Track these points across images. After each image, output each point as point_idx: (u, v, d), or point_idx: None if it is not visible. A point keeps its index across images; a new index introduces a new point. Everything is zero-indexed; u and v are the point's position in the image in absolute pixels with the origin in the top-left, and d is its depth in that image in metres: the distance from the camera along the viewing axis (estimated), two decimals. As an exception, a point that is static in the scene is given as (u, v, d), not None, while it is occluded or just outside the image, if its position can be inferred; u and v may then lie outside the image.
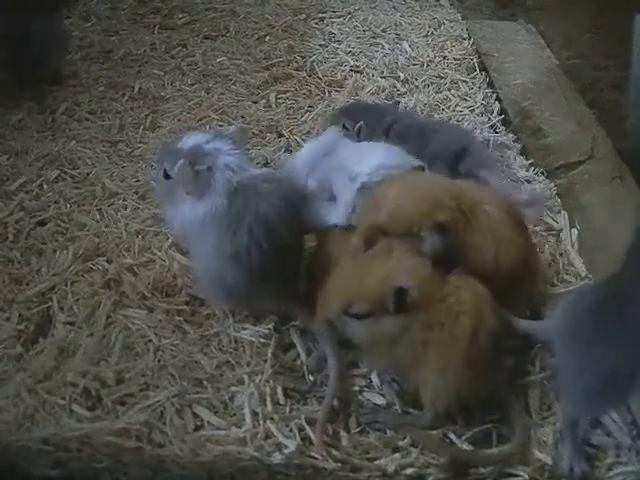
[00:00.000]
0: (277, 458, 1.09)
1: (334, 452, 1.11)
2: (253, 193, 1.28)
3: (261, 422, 1.14)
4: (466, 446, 1.13)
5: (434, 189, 1.24)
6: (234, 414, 1.17)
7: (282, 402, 1.19)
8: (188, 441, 1.12)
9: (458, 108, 2.11)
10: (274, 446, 1.11)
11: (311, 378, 1.25)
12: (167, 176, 1.33)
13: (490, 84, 2.26)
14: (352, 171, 1.35)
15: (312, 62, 2.34)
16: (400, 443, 1.14)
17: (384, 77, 2.26)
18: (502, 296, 1.17)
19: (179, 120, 2.02)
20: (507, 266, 1.22)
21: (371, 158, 1.36)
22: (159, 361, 1.26)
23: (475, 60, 2.39)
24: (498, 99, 2.16)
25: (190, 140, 1.34)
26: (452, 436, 1.15)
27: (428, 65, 2.36)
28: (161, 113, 2.06)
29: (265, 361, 1.25)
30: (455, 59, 2.40)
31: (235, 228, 1.26)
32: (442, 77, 2.28)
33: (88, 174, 1.77)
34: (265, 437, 1.12)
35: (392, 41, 2.52)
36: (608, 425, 1.17)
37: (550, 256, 1.52)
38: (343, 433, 1.15)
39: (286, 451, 1.10)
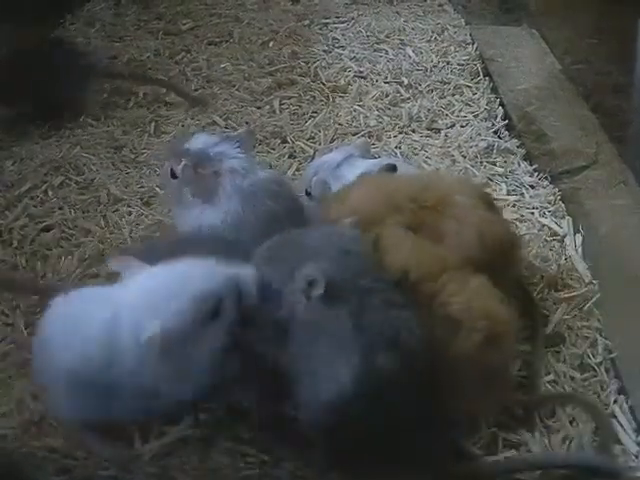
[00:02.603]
0: None
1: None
2: (264, 196, 1.29)
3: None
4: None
5: (393, 191, 1.28)
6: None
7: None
8: (194, 447, 1.12)
9: (462, 113, 2.11)
10: None
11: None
12: (174, 175, 1.35)
13: (494, 89, 2.25)
14: (344, 178, 1.43)
15: (316, 68, 2.34)
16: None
17: (388, 82, 2.26)
18: (492, 270, 1.17)
19: (183, 126, 2.02)
20: (492, 240, 1.24)
21: (359, 167, 1.44)
22: (163, 367, 1.25)
23: (479, 65, 2.38)
24: (502, 104, 2.15)
25: (198, 141, 1.35)
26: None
27: (432, 70, 2.35)
28: (165, 119, 2.07)
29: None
30: (459, 64, 2.40)
31: (250, 231, 1.26)
32: (446, 82, 2.27)
33: (92, 180, 1.77)
34: None
35: (396, 46, 2.51)
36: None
37: (554, 261, 1.52)
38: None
39: None
